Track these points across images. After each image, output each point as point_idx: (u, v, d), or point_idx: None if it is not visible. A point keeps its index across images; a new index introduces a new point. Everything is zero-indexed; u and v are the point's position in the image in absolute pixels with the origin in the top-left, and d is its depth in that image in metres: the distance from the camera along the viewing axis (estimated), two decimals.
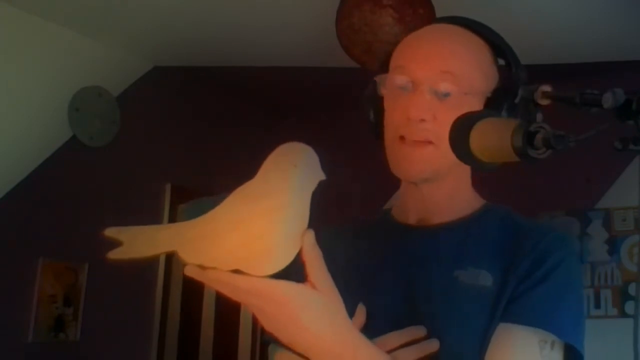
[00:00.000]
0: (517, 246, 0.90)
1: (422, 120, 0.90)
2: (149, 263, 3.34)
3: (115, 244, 0.68)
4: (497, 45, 0.97)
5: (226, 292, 0.69)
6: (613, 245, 3.35)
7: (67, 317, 2.99)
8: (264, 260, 0.67)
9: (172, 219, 3.44)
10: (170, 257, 3.46)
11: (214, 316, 3.96)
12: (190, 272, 0.68)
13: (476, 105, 0.92)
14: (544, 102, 0.84)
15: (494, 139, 0.73)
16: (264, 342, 0.89)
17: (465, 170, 0.99)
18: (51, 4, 2.81)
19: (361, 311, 0.90)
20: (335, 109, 3.86)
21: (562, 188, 3.24)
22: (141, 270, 3.28)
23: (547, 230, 0.93)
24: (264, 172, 0.70)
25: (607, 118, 0.67)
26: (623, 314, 3.18)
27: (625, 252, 3.32)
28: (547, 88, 0.90)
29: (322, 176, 0.71)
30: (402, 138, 0.93)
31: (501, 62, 0.99)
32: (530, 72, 0.96)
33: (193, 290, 3.77)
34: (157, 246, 0.68)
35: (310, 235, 0.70)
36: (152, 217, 3.31)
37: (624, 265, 3.29)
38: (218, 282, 0.68)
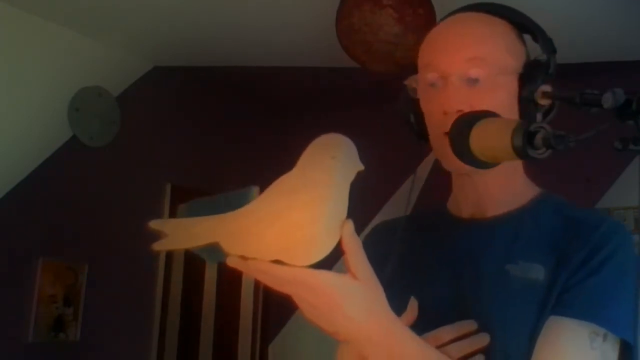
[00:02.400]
0: (570, 237, 0.89)
1: (459, 111, 0.89)
2: (149, 263, 3.34)
3: (160, 235, 0.70)
4: (519, 22, 0.97)
5: (267, 282, 0.70)
6: None
7: (67, 317, 2.99)
8: (304, 250, 0.68)
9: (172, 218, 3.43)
10: (171, 257, 3.48)
11: (214, 316, 3.96)
12: (232, 262, 0.69)
13: (510, 84, 0.91)
14: (544, 102, 0.84)
15: (494, 138, 0.73)
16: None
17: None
18: (51, 4, 2.81)
19: (413, 305, 0.90)
20: (335, 109, 3.86)
21: (562, 188, 3.23)
22: (141, 270, 3.28)
23: (602, 221, 0.91)
24: (302, 164, 0.71)
25: (607, 118, 0.67)
26: None
27: None
28: (547, 88, 0.91)
29: (360, 167, 0.72)
30: (446, 134, 0.91)
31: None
32: None
33: (193, 290, 3.77)
34: (199, 237, 0.70)
35: (350, 225, 0.70)
36: (152, 217, 3.28)
37: None
38: (259, 272, 0.69)
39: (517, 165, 0.98)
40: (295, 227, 0.68)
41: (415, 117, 0.99)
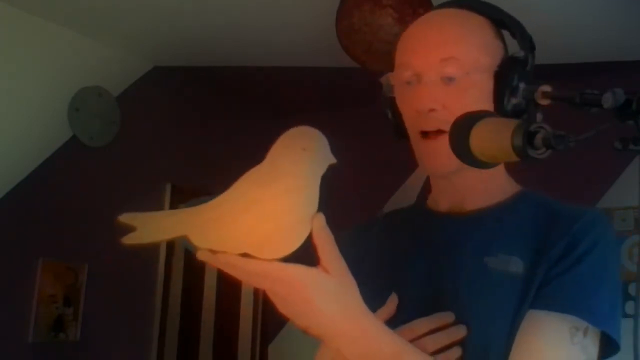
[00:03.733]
0: (550, 230, 0.88)
1: (432, 109, 0.89)
2: (149, 263, 3.34)
3: (128, 230, 0.69)
4: (498, 19, 0.96)
5: (238, 275, 0.69)
6: None
7: (67, 317, 2.99)
8: (273, 243, 0.67)
9: None
10: (171, 257, 3.47)
11: (214, 316, 3.96)
12: (202, 256, 0.69)
13: (485, 82, 0.90)
14: (544, 102, 0.84)
15: (494, 138, 0.73)
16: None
17: None
18: (51, 4, 2.81)
19: (392, 300, 0.89)
20: (335, 109, 3.86)
21: (562, 188, 3.24)
22: (141, 270, 3.28)
23: (582, 212, 0.89)
24: (272, 156, 0.70)
25: (607, 118, 0.67)
26: (623, 314, 3.17)
27: (625, 252, 3.32)
28: (547, 88, 0.90)
29: (332, 160, 0.71)
30: (422, 134, 0.92)
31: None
32: None
33: (193, 289, 3.77)
34: (168, 231, 0.69)
35: (321, 218, 0.69)
36: None
37: (624, 266, 3.29)
38: (229, 265, 0.68)
39: None
40: (264, 220, 0.67)
41: (393, 116, 0.98)
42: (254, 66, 3.46)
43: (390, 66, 0.99)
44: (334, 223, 0.74)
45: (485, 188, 0.95)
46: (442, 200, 0.98)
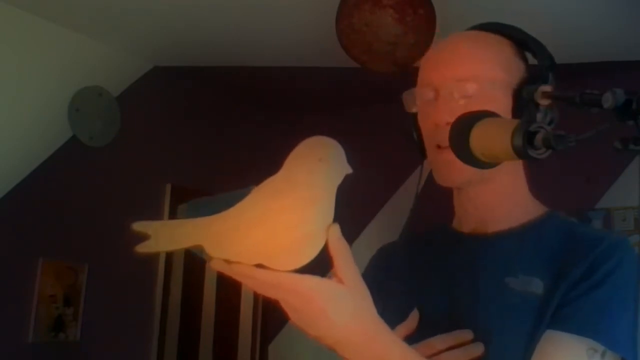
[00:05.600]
0: (571, 252, 0.88)
1: (448, 123, 0.90)
2: (149, 263, 3.34)
3: (143, 237, 0.70)
4: (519, 39, 0.98)
5: (252, 286, 0.69)
6: None
7: (67, 317, 2.98)
8: (287, 255, 0.67)
9: (172, 219, 3.43)
10: (171, 257, 3.47)
11: (214, 316, 3.96)
12: (216, 265, 0.69)
13: (503, 99, 0.92)
14: (544, 102, 0.84)
15: (494, 139, 0.73)
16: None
17: (517, 174, 0.98)
18: (51, 4, 2.81)
19: (414, 316, 0.90)
20: (335, 109, 3.86)
21: (562, 188, 3.24)
22: (141, 270, 3.28)
23: (604, 236, 0.90)
24: (288, 166, 0.69)
25: (607, 118, 0.67)
26: None
27: None
28: (547, 88, 0.90)
29: (348, 170, 0.70)
30: (437, 147, 0.94)
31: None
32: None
33: (193, 289, 3.77)
34: (183, 240, 0.69)
35: (336, 229, 0.69)
36: (152, 217, 3.29)
37: None
38: (243, 276, 0.69)
39: (520, 182, 0.99)
40: (280, 231, 0.66)
41: (415, 133, 1.01)
42: (254, 66, 3.46)
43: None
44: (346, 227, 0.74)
45: (506, 207, 0.97)
46: (465, 222, 1.00)
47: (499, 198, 0.96)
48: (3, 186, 2.79)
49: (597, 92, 0.68)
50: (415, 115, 1.00)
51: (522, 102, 0.90)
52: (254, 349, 3.95)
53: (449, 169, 0.93)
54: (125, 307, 3.20)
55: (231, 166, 3.68)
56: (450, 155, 0.90)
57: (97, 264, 3.06)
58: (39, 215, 2.89)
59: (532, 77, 0.93)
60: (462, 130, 0.77)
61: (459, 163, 0.89)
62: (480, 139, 0.75)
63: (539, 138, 0.67)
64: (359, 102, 3.81)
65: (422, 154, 1.01)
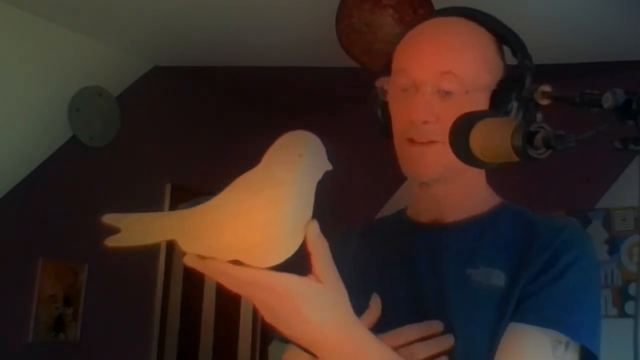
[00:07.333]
0: (531, 243, 0.88)
1: (425, 122, 0.89)
2: (149, 263, 3.34)
3: (113, 231, 0.67)
4: (502, 34, 0.95)
5: (226, 283, 0.67)
6: (613, 245, 3.35)
7: (67, 317, 2.99)
8: (265, 251, 0.64)
9: None
10: (171, 257, 3.47)
11: (214, 317, 3.96)
12: (189, 261, 0.66)
13: (481, 100, 0.90)
14: (544, 102, 0.84)
15: (494, 138, 0.73)
16: (273, 338, 0.86)
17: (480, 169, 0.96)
18: (51, 4, 2.81)
19: (376, 303, 0.88)
20: (335, 109, 3.86)
21: (562, 188, 3.24)
22: (141, 270, 3.28)
23: (563, 226, 0.89)
24: (267, 161, 0.67)
25: (607, 118, 0.67)
26: (623, 314, 3.17)
27: (625, 252, 3.32)
28: (547, 88, 0.90)
29: (328, 166, 0.68)
30: (409, 140, 0.91)
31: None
32: None
33: (193, 290, 3.78)
34: (155, 234, 0.66)
35: (315, 225, 0.67)
36: None
37: (624, 265, 3.29)
38: (217, 272, 0.65)
39: (479, 175, 0.97)
40: (256, 227, 0.64)
41: (383, 118, 0.98)
42: (254, 66, 3.46)
43: (388, 67, 0.99)
44: (332, 224, 0.74)
45: (466, 200, 0.95)
46: (423, 211, 0.98)
47: (461, 190, 0.95)
48: (3, 186, 2.79)
49: (597, 92, 0.68)
50: (385, 102, 0.97)
51: (497, 106, 0.89)
52: (254, 349, 3.95)
53: (421, 164, 0.91)
54: (125, 307, 3.20)
55: (231, 166, 3.67)
56: (424, 150, 0.90)
57: (97, 264, 3.06)
58: (39, 215, 2.89)
59: (510, 79, 0.91)
60: (462, 131, 0.76)
61: (431, 159, 0.89)
62: (481, 139, 0.75)
63: (539, 138, 0.67)
64: (359, 102, 3.82)
65: (384, 134, 0.98)
